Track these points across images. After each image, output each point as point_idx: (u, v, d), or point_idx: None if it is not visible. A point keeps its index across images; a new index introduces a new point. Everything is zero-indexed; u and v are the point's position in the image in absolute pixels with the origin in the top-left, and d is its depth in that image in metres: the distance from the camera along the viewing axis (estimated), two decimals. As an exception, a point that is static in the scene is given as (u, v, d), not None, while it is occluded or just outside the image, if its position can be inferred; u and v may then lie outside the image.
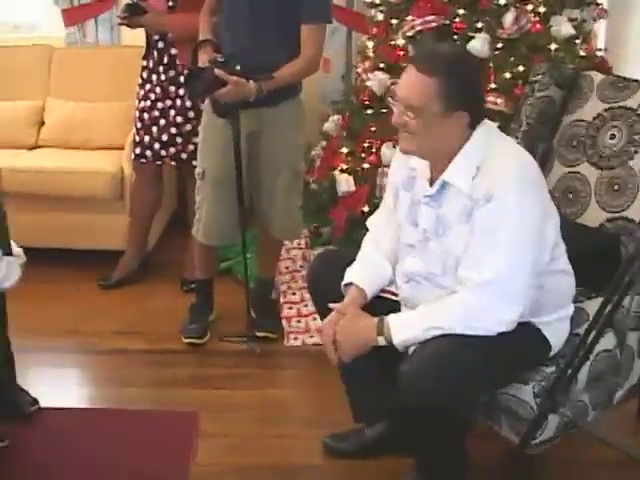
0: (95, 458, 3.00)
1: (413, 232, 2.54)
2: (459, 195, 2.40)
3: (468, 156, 2.39)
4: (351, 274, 2.67)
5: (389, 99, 2.51)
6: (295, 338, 3.80)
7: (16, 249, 3.04)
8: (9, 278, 2.93)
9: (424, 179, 2.52)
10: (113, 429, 3.17)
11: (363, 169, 4.02)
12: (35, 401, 3.25)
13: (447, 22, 3.86)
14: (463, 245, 2.38)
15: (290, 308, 4.02)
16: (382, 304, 2.62)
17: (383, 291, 2.68)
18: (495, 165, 2.35)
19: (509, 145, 2.50)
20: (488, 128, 2.45)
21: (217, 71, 3.27)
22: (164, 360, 3.66)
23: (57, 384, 3.53)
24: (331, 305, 2.62)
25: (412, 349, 2.39)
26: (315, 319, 3.79)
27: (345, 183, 4.02)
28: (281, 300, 4.10)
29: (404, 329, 2.40)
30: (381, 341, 2.44)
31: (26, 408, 3.22)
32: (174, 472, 2.93)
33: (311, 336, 3.79)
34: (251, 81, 3.29)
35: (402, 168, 2.61)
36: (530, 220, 2.34)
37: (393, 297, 2.67)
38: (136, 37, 4.31)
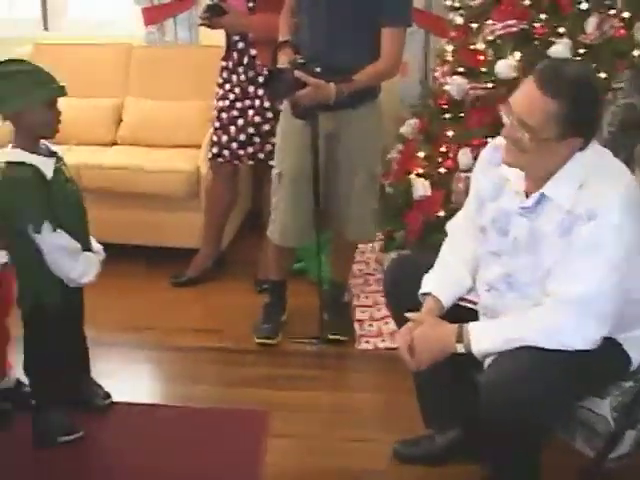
0: (165, 454, 3.03)
1: (500, 240, 2.50)
2: (558, 209, 2.35)
3: (572, 173, 2.34)
4: (429, 283, 2.64)
5: (500, 108, 2.44)
6: (367, 342, 3.79)
7: (96, 245, 3.10)
8: (87, 274, 2.99)
9: (517, 189, 2.47)
10: (183, 426, 3.20)
11: (439, 174, 3.98)
12: (108, 395, 3.30)
13: (528, 27, 3.80)
14: (554, 258, 2.34)
15: (363, 311, 4.01)
16: (459, 312, 2.59)
17: (461, 299, 2.65)
18: (600, 184, 2.30)
19: (616, 165, 2.43)
20: (594, 145, 2.40)
21: (297, 73, 3.27)
22: (235, 359, 3.68)
23: (129, 379, 3.57)
24: (408, 315, 2.59)
25: (490, 359, 2.37)
26: (387, 323, 3.78)
27: (421, 187, 3.98)
28: (354, 303, 4.09)
29: (485, 338, 2.37)
30: (460, 349, 2.41)
31: (99, 401, 3.28)
32: (244, 472, 2.95)
33: (383, 340, 3.78)
34: (331, 83, 3.29)
35: (488, 176, 2.57)
36: (629, 242, 2.29)
37: (471, 305, 2.64)
38: (215, 36, 4.34)
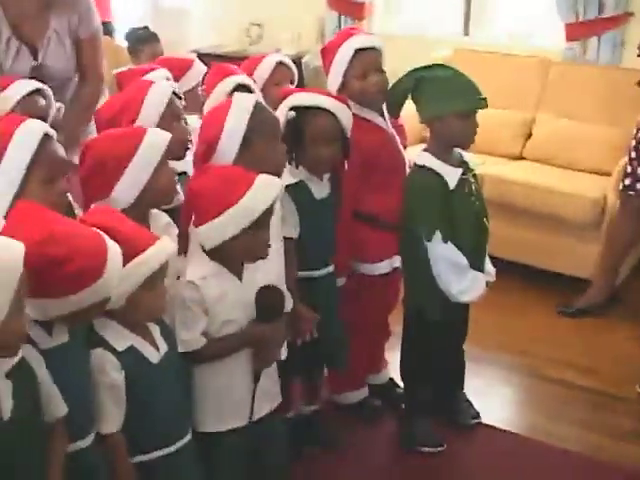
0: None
1: None
2: None
3: None
4: None
5: None
6: None
7: (489, 267, 3.02)
8: (469, 293, 2.89)
9: None
10: (543, 465, 3.05)
11: None
12: (477, 414, 3.25)
13: None
14: None
15: None
16: None
17: None
18: None
19: None
20: None
21: None
22: (609, 404, 3.46)
23: (495, 400, 3.49)
24: None
25: None
26: None
27: None
28: None
29: None
30: None
31: (467, 419, 3.24)
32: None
33: None
34: None
35: None
36: None
37: None
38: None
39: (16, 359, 1.71)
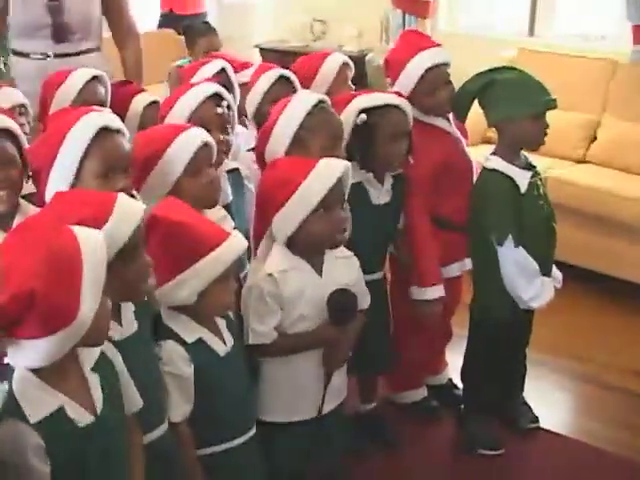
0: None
1: None
2: None
3: None
4: None
5: None
6: None
7: (556, 272, 2.98)
8: (539, 298, 2.87)
9: None
10: (602, 474, 3.00)
11: None
12: (535, 419, 3.21)
13: None
14: None
15: None
16: None
17: None
18: None
19: None
20: None
21: None
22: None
23: (555, 406, 3.45)
24: None
25: None
26: None
27: None
28: None
29: None
30: None
31: (525, 423, 3.20)
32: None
33: None
34: None
35: None
36: None
37: None
38: None
39: (98, 352, 1.72)
